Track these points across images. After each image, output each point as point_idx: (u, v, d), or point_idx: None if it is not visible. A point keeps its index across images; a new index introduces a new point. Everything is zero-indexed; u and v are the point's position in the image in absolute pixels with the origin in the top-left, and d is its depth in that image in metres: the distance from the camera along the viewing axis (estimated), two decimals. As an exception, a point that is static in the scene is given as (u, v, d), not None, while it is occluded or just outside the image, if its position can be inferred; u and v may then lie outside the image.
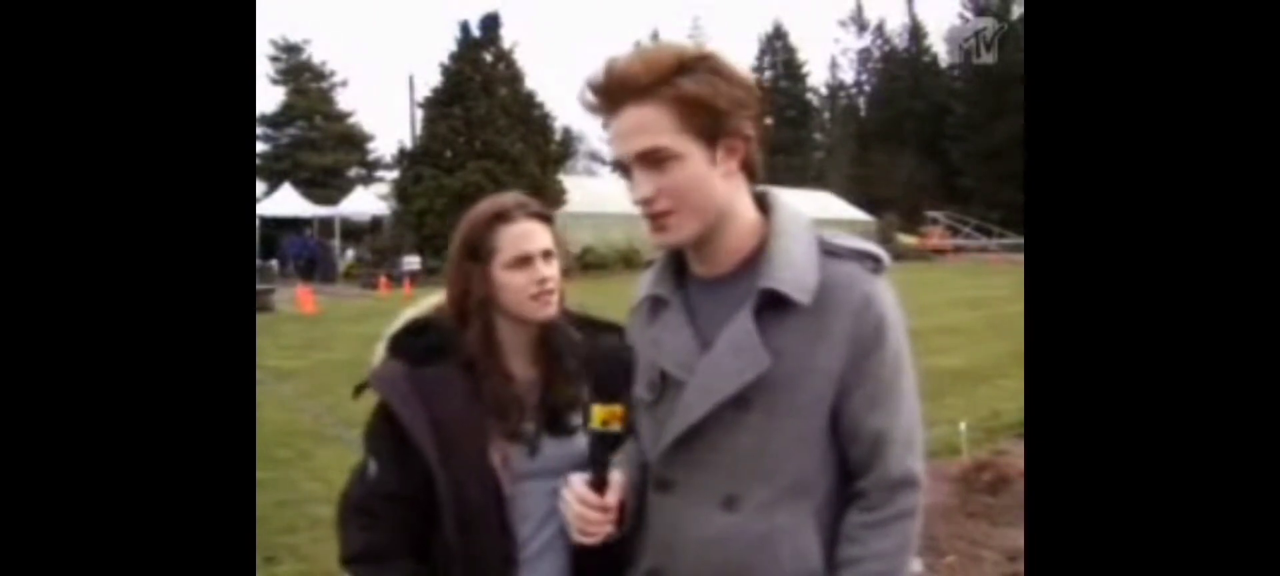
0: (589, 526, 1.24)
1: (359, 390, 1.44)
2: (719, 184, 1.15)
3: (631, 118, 1.12)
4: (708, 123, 1.12)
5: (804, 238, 1.19)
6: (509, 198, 1.48)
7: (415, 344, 1.45)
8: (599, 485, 1.24)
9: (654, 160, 1.12)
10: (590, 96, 1.16)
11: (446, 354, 1.43)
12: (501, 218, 1.44)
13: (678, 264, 1.27)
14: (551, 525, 1.40)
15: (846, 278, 1.16)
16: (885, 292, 1.18)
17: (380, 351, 1.48)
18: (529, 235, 1.43)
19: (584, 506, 1.23)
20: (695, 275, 1.24)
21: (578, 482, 1.25)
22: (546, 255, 1.44)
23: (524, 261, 1.42)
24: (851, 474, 1.19)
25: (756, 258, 1.19)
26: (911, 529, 1.18)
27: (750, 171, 1.20)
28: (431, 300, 1.53)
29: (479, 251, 1.44)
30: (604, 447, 1.24)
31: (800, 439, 1.16)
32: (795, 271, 1.15)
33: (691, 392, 1.17)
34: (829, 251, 1.19)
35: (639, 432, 1.28)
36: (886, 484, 1.17)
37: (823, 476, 1.19)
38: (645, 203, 1.15)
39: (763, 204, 1.23)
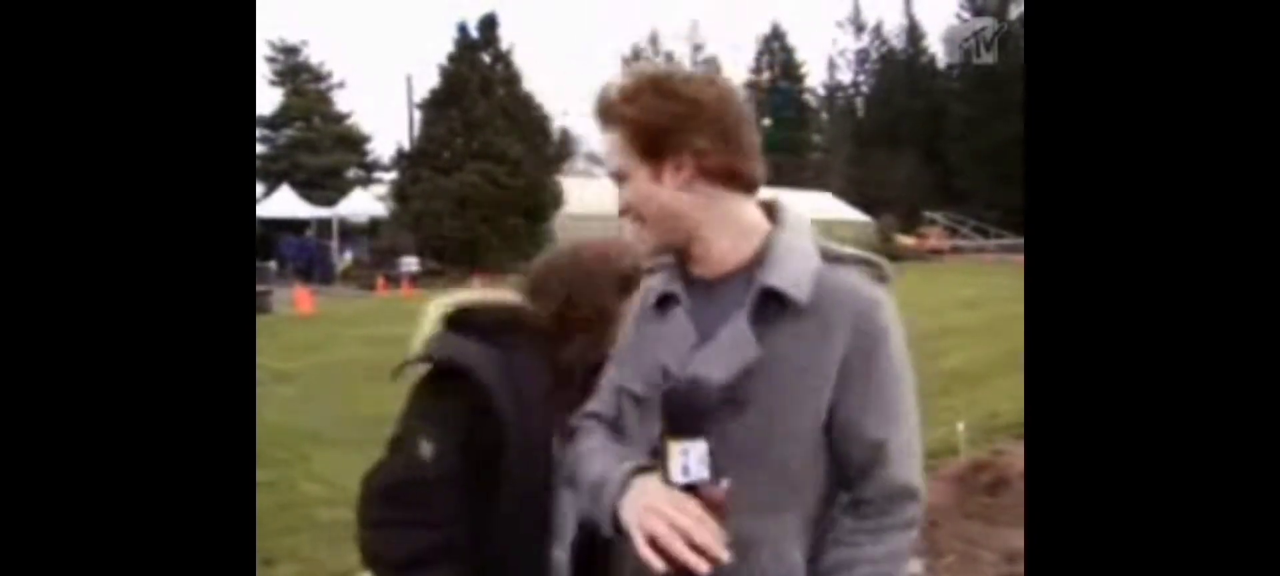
0: (694, 536, 1.02)
1: (410, 364, 1.37)
2: (672, 197, 1.19)
3: (605, 140, 1.24)
4: (647, 143, 1.18)
5: (804, 241, 1.21)
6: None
7: (482, 319, 1.41)
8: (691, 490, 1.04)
9: (618, 178, 1.24)
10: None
11: (516, 330, 1.41)
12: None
13: (684, 265, 1.28)
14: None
15: (849, 284, 1.17)
16: (887, 302, 1.18)
17: (429, 328, 1.42)
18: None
19: (679, 512, 1.04)
20: (694, 277, 1.25)
21: (660, 492, 1.05)
22: None
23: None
24: (847, 482, 1.19)
25: (756, 261, 1.20)
26: (907, 540, 1.18)
27: (726, 179, 1.19)
28: (461, 295, 1.49)
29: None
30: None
31: (793, 441, 1.16)
32: (792, 270, 1.16)
33: None
34: (832, 258, 1.20)
35: (628, 429, 1.27)
36: (885, 493, 1.17)
37: (812, 483, 1.18)
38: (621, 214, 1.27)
39: (771, 212, 1.25)
